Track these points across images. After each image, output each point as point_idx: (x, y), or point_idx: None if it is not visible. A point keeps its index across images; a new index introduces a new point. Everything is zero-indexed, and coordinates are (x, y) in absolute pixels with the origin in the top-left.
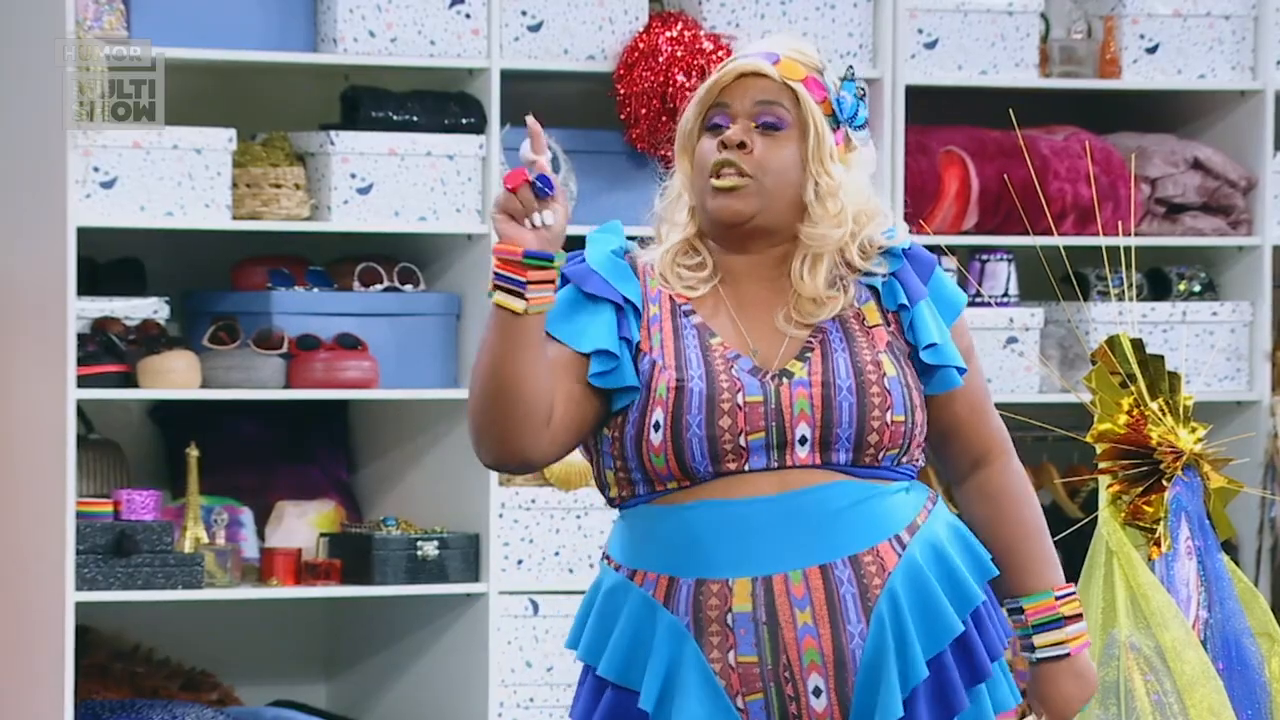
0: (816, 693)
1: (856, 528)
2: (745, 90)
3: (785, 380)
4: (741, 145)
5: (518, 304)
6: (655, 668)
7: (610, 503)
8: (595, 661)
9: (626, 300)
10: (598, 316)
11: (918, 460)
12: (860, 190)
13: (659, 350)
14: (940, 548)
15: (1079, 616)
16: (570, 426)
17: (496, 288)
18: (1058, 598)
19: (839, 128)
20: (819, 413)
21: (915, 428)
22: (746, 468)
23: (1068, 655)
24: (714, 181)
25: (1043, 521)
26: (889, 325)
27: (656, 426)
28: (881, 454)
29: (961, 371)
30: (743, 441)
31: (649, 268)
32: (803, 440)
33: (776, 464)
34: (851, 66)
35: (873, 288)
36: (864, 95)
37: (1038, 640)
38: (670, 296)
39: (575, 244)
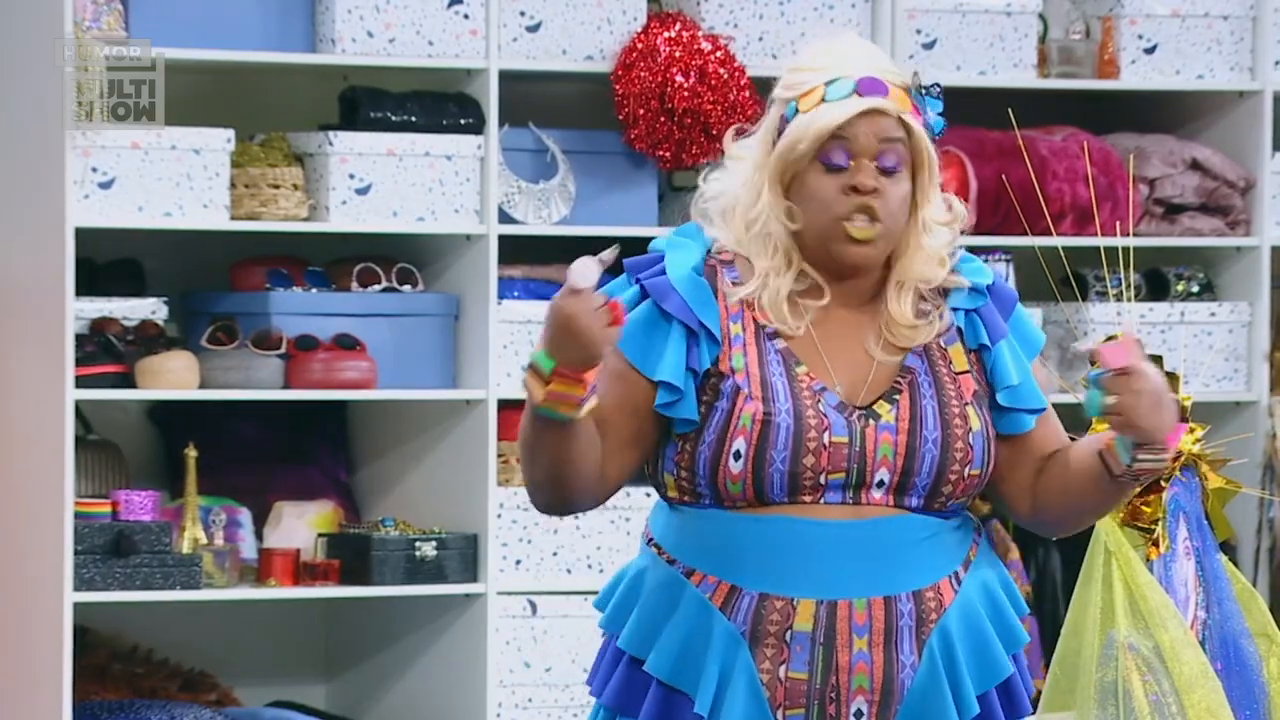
0: (858, 715)
1: (922, 563)
2: (868, 127)
3: (872, 422)
4: (874, 191)
5: (576, 412)
6: (710, 673)
7: (664, 499)
8: (643, 654)
9: (702, 326)
10: (670, 341)
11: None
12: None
13: (744, 375)
14: (991, 586)
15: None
16: (632, 444)
17: (550, 402)
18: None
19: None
20: (901, 460)
21: (987, 478)
22: (822, 501)
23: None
24: (851, 230)
25: None
26: (973, 369)
27: (737, 455)
28: (950, 501)
29: (1038, 412)
30: (822, 480)
31: (728, 281)
32: (880, 484)
33: (851, 500)
34: (917, 73)
35: (957, 326)
36: (939, 94)
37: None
38: (755, 316)
39: (581, 247)
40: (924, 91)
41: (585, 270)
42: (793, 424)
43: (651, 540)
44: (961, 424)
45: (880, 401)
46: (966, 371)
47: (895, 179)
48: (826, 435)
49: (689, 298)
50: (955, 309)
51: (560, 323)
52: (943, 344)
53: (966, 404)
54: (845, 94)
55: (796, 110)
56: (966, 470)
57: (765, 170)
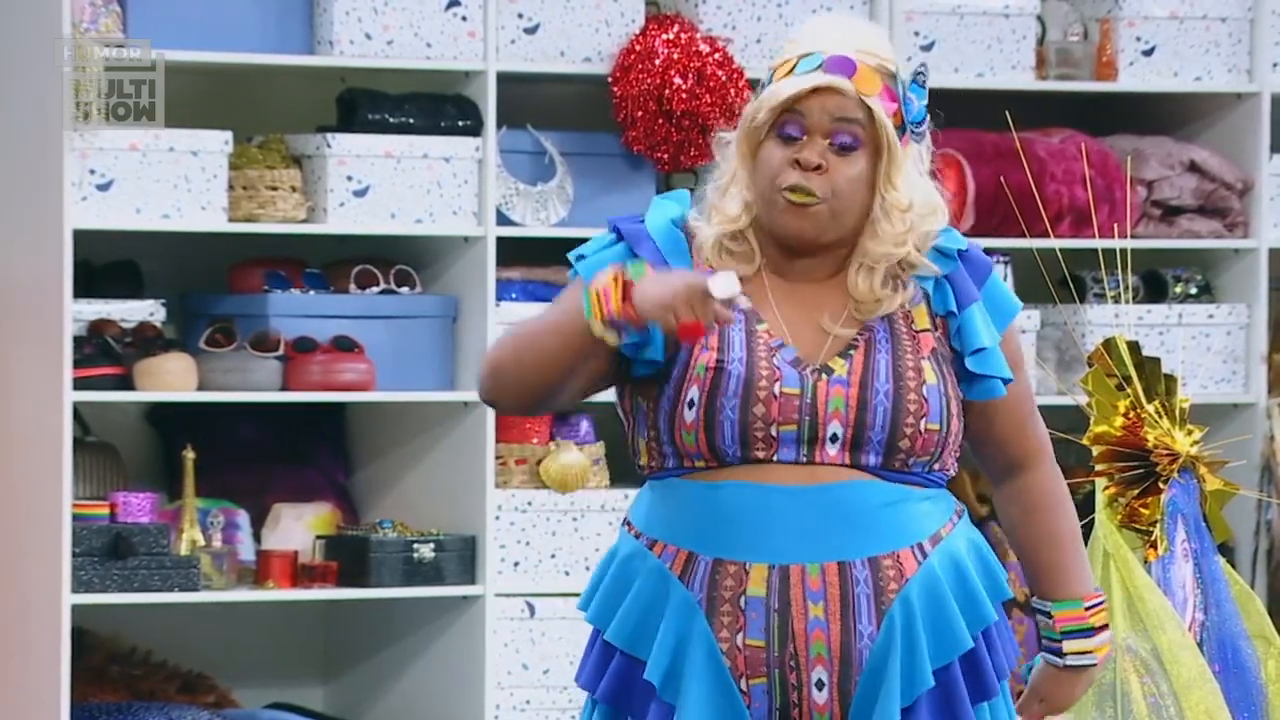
0: (819, 685)
1: (881, 530)
2: (822, 104)
3: (825, 376)
4: (817, 168)
5: (615, 339)
6: (665, 641)
7: (639, 470)
8: (605, 626)
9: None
10: None
11: (950, 468)
12: (918, 186)
13: None
14: (960, 562)
15: (1106, 627)
16: (588, 379)
17: (608, 324)
18: (1087, 608)
19: (905, 132)
20: (853, 413)
21: (950, 436)
22: (775, 458)
23: (1094, 665)
24: (787, 195)
25: (1076, 529)
26: (936, 330)
27: (691, 404)
28: (912, 460)
29: (1006, 382)
30: (774, 431)
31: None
32: (834, 438)
33: (805, 458)
34: (925, 64)
35: (924, 290)
36: (924, 82)
37: (1066, 646)
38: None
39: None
40: (913, 79)
41: (727, 283)
42: (744, 372)
43: (627, 520)
44: (915, 376)
45: (835, 358)
46: (927, 330)
47: (849, 158)
48: (777, 386)
49: (663, 246)
50: (924, 275)
51: (679, 288)
52: (905, 305)
53: (922, 358)
54: (811, 69)
55: (771, 80)
56: (923, 424)
57: (739, 140)
